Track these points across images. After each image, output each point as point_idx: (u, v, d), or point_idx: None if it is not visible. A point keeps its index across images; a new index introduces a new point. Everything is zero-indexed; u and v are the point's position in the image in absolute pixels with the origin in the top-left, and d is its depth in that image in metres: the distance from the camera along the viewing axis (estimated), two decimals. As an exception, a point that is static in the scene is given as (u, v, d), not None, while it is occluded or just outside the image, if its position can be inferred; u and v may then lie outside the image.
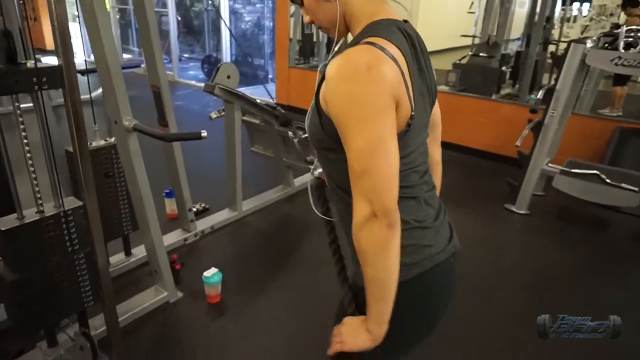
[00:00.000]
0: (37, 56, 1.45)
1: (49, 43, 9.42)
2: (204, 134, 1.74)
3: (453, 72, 4.67)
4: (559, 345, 1.96)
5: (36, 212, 1.67)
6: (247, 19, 7.84)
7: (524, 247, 2.95)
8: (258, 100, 2.93)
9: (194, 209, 3.09)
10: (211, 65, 6.94)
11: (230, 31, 6.48)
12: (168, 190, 2.97)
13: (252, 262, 2.67)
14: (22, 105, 1.51)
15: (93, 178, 1.50)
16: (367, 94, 0.80)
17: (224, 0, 6.43)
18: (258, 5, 7.24)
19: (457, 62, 5.25)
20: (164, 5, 7.04)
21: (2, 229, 1.58)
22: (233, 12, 7.69)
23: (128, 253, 2.50)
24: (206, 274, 2.22)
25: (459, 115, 4.44)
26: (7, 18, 1.44)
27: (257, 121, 3.18)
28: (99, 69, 1.76)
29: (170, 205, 3.01)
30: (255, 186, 3.46)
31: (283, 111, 2.86)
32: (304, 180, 3.54)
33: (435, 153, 1.18)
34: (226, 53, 6.47)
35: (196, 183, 3.42)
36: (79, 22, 1.89)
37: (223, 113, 2.97)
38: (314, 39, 6.31)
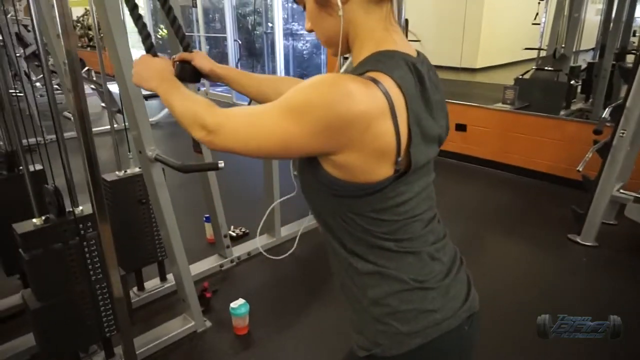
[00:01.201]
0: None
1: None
2: (221, 164, 1.70)
3: (510, 89, 4.36)
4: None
5: (59, 240, 1.72)
6: (308, 38, 7.96)
7: (589, 284, 2.61)
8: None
9: (233, 234, 3.10)
10: (268, 86, 7.07)
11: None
12: (208, 215, 2.99)
13: (285, 291, 2.59)
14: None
15: (107, 209, 1.51)
16: (323, 109, 0.68)
17: (279, 22, 6.55)
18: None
19: (520, 77, 4.91)
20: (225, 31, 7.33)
21: (27, 258, 1.64)
22: (292, 33, 7.84)
23: (163, 278, 2.53)
24: (233, 305, 2.17)
25: (518, 135, 4.12)
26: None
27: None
28: (122, 99, 1.79)
29: (210, 230, 3.03)
30: (297, 210, 3.40)
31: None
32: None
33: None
34: (281, 74, 6.59)
35: (238, 207, 3.44)
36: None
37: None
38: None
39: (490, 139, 4.25)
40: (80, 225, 1.70)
